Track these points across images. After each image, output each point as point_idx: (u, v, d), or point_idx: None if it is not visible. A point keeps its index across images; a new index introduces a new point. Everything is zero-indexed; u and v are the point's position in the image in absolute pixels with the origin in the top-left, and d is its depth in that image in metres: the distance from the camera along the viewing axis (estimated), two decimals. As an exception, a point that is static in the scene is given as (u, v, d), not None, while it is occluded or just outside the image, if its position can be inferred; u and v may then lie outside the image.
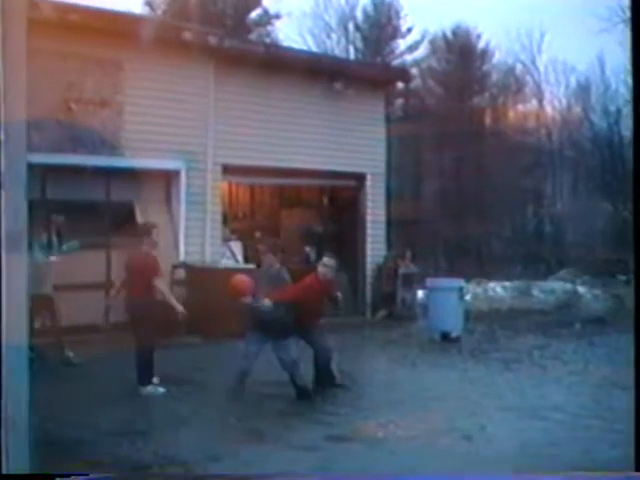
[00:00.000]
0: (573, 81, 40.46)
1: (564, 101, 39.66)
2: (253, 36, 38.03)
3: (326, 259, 11.82)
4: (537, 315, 21.14)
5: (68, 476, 6.06)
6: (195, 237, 17.80)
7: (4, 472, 4.63)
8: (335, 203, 22.36)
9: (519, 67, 40.13)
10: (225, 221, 18.86)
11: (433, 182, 36.55)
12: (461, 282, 18.66)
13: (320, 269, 11.64)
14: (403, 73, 29.58)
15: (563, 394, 11.46)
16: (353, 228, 21.57)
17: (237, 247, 18.89)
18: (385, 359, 15.02)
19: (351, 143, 20.56)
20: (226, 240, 18.62)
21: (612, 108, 36.88)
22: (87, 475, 6.57)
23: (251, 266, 17.31)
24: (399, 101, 37.79)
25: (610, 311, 21.78)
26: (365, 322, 20.41)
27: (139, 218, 16.62)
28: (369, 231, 21.50)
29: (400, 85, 29.52)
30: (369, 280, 21.39)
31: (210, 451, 8.18)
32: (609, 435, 9.02)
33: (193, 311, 13.83)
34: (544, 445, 8.77)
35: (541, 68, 39.48)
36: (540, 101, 39.65)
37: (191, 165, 17.70)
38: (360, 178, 21.33)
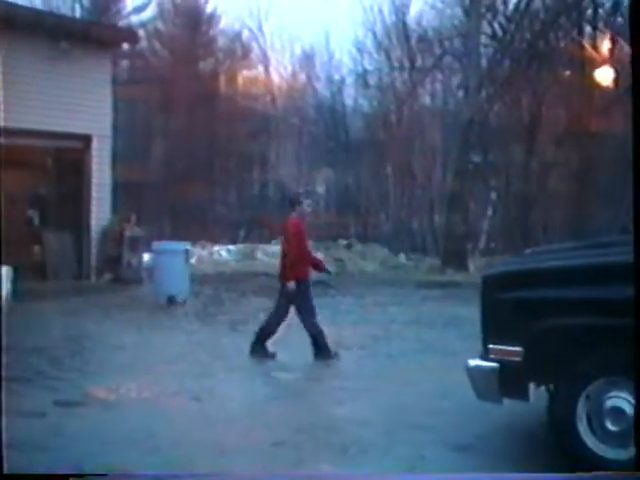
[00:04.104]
0: (298, 49, 41.22)
1: (289, 68, 40.36)
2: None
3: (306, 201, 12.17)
4: (261, 277, 21.52)
5: (67, 477, 5.85)
6: None
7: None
8: (60, 165, 21.90)
9: (246, 33, 40.42)
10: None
11: (160, 146, 36.31)
12: (186, 245, 18.76)
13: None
14: (130, 34, 29.23)
15: (290, 354, 11.80)
16: (78, 191, 21.21)
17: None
18: (111, 323, 14.87)
19: (77, 104, 20.11)
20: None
21: (336, 77, 37.94)
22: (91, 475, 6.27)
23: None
24: (125, 63, 37.27)
25: (332, 275, 22.45)
26: (90, 286, 20.17)
27: None
28: (94, 194, 21.21)
29: (126, 46, 29.14)
30: (94, 243, 21.13)
31: None
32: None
33: None
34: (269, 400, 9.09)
35: (267, 35, 39.96)
36: (266, 67, 40.16)
37: None
38: (86, 139, 20.98)
